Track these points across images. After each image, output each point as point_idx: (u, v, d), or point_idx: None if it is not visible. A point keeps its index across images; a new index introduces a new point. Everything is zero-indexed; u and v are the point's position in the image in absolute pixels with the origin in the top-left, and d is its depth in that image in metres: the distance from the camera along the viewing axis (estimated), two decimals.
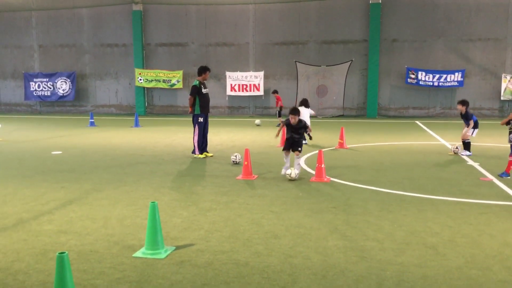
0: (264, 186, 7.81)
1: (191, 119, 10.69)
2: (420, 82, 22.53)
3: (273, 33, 23.68)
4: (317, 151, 9.37)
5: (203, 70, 10.57)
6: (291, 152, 8.55)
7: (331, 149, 11.94)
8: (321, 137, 14.50)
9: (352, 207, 6.46)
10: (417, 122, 20.29)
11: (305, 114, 11.92)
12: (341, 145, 12.23)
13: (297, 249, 4.84)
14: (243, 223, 5.75)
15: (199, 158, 10.56)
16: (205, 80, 10.63)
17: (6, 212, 6.25)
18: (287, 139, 8.57)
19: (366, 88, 23.26)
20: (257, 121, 18.83)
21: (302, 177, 8.43)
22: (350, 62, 22.91)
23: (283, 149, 8.59)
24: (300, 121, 8.45)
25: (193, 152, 10.79)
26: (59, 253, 3.34)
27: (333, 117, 23.13)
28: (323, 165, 8.21)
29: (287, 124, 8.51)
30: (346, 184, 7.88)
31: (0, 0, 25.15)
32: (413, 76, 22.52)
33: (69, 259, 3.37)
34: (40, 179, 8.42)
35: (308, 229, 5.47)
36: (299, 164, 8.45)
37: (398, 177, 8.51)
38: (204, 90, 10.45)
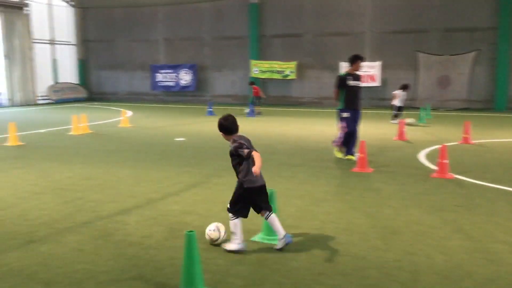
0: (380, 179, 7.61)
1: (337, 113, 9.45)
2: None
3: (391, 21, 22.76)
4: (439, 146, 8.86)
5: (354, 59, 9.20)
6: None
7: (455, 144, 11.21)
8: (444, 131, 13.68)
9: (478, 206, 6.03)
10: None
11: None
12: (465, 140, 11.43)
13: (417, 246, 4.66)
14: (359, 216, 5.67)
15: (337, 156, 9.30)
16: (357, 70, 9.23)
17: (138, 192, 6.85)
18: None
19: (494, 79, 21.39)
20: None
21: (423, 173, 8.04)
22: (476, 51, 21.21)
23: (238, 215, 4.60)
24: (234, 141, 4.60)
25: (335, 141, 9.57)
26: (188, 232, 3.59)
27: (456, 110, 21.66)
28: (446, 161, 7.76)
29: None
30: (472, 182, 7.37)
31: None
32: None
33: (196, 237, 3.61)
34: (166, 163, 9.07)
35: (429, 227, 5.23)
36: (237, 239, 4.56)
37: None
38: (351, 82, 9.07)
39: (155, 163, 9.14)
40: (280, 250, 4.55)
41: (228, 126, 4.61)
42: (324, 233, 5.05)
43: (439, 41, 22.10)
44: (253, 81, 21.27)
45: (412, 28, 22.46)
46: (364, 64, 23.55)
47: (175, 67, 27.07)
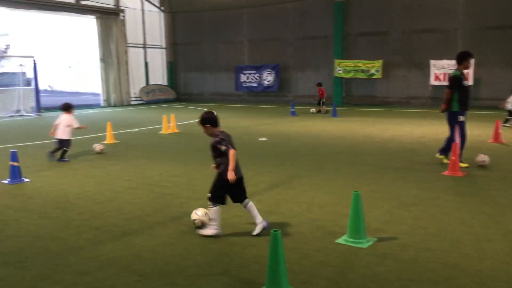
0: (474, 184, 7.18)
1: (448, 117, 8.54)
2: None
3: (487, 17, 21.33)
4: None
5: (463, 57, 8.39)
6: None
7: None
8: None
9: None
10: None
11: None
12: None
13: None
14: (451, 222, 5.39)
15: (462, 167, 8.24)
16: (467, 69, 8.54)
17: None
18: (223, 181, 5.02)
19: None
20: None
21: None
22: None
23: (217, 203, 5.02)
24: (216, 135, 5.11)
25: (442, 152, 8.85)
26: (274, 231, 3.62)
27: None
28: None
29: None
30: None
31: None
32: None
33: (281, 237, 3.64)
34: (250, 163, 9.21)
35: None
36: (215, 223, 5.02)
37: None
38: (464, 83, 8.39)
39: (240, 162, 9.32)
40: (258, 235, 4.92)
41: (213, 119, 5.13)
42: (413, 239, 4.86)
43: None
44: (320, 83, 21.40)
45: (510, 23, 20.90)
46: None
47: (259, 68, 27.43)
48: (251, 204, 5.07)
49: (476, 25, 21.63)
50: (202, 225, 5.15)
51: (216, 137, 5.04)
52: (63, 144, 9.61)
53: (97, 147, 10.45)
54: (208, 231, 5.02)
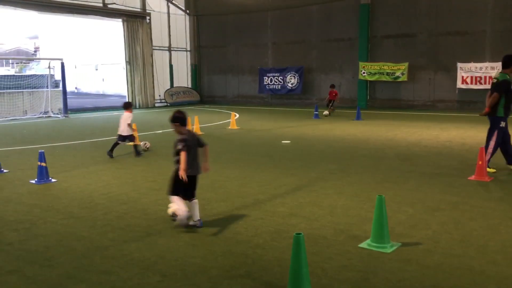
0: (501, 189, 7.02)
1: (491, 121, 8.28)
2: None
3: None
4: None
5: (511, 61, 8.14)
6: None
7: None
8: None
9: None
10: None
11: None
12: None
13: None
14: (477, 227, 5.28)
15: (491, 171, 8.13)
16: None
17: (245, 192, 7.06)
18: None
19: None
20: None
21: None
22: None
23: (175, 194, 5.48)
24: (181, 134, 5.44)
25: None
26: (296, 234, 3.61)
27: None
28: None
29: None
30: None
31: (239, 2, 28.28)
32: None
33: (303, 240, 3.62)
34: (272, 166, 9.22)
35: None
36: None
37: None
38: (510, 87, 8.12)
39: (262, 164, 9.34)
40: (192, 227, 5.33)
41: (182, 119, 5.44)
42: (438, 244, 4.78)
43: None
44: (333, 85, 21.48)
45: None
46: (484, 65, 22.00)
47: (282, 70, 27.40)
48: (195, 202, 5.46)
49: (505, 27, 21.18)
50: (174, 214, 5.45)
51: (180, 136, 5.40)
52: (124, 139, 10.34)
53: (144, 144, 11.21)
54: (176, 209, 5.33)
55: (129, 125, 10.25)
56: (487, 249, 4.62)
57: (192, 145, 5.39)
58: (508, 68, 8.15)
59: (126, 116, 10.31)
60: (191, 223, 5.40)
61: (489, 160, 8.18)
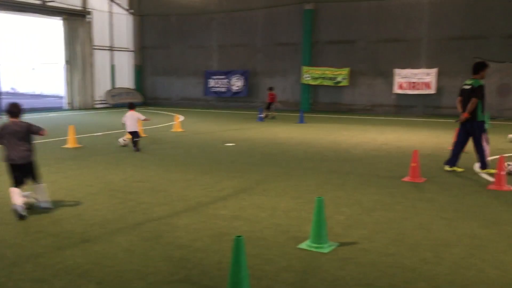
0: (433, 190, 7.36)
1: (473, 128, 8.46)
2: None
3: (450, 28, 22.02)
4: (497, 156, 8.48)
5: (481, 67, 8.51)
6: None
7: None
8: (502, 141, 13.07)
9: None
10: None
11: None
12: None
13: (470, 260, 4.48)
14: (410, 227, 5.52)
15: (490, 173, 8.40)
16: (483, 78, 8.55)
17: (188, 196, 6.99)
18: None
19: None
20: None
21: (479, 184, 7.71)
22: None
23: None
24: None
25: (482, 167, 8.62)
26: (237, 237, 3.62)
27: None
28: (503, 172, 7.41)
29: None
30: None
31: (185, 3, 28.03)
32: None
33: (244, 243, 3.63)
34: (216, 168, 9.19)
35: (484, 241, 5.01)
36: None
37: None
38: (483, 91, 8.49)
39: (205, 167, 9.29)
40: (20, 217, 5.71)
41: (11, 111, 6.06)
42: (373, 243, 4.95)
43: (500, 48, 21.17)
44: (272, 87, 21.77)
45: (472, 34, 21.63)
46: (419, 71, 23.02)
47: (227, 73, 27.43)
48: (39, 186, 6.17)
49: (440, 35, 22.30)
50: (31, 206, 6.08)
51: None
52: (134, 135, 11.30)
53: (122, 141, 11.75)
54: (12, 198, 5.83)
55: (143, 120, 11.64)
56: (419, 248, 4.83)
57: (7, 134, 5.89)
58: (478, 74, 8.50)
59: (129, 114, 11.38)
60: (42, 205, 6.13)
61: (486, 162, 8.51)
